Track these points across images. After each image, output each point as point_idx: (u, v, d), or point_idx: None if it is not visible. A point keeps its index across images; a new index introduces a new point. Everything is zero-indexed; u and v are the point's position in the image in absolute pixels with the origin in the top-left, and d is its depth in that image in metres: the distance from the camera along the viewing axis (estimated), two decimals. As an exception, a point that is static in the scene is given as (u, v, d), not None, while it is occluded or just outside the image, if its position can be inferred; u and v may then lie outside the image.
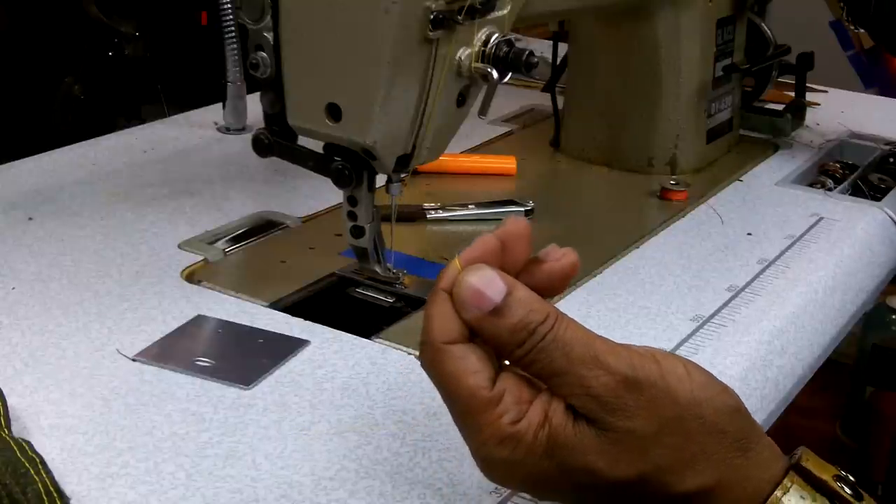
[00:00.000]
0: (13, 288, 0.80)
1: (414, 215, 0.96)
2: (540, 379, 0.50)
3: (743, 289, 0.85)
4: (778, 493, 0.50)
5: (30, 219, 0.93)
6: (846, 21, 1.20)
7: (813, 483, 0.51)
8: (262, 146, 0.79)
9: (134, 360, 0.71)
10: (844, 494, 0.50)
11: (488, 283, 0.50)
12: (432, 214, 0.97)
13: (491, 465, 0.50)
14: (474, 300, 0.49)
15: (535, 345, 0.49)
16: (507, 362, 0.51)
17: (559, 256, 0.53)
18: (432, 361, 0.50)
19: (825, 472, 0.51)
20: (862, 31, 1.45)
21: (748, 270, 0.89)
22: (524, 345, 0.49)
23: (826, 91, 1.43)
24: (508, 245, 0.52)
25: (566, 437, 0.49)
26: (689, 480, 0.49)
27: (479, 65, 0.73)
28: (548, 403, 0.50)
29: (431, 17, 0.68)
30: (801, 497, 0.50)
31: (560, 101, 1.17)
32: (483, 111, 0.75)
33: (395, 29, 0.68)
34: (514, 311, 0.49)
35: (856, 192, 1.12)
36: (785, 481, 0.50)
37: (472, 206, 0.98)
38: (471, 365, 0.50)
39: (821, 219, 1.01)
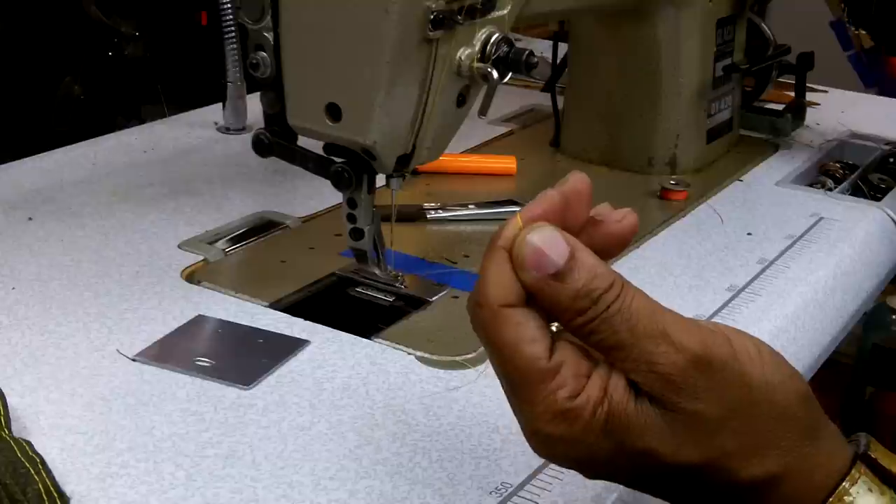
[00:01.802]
0: (13, 288, 0.80)
1: (414, 215, 0.96)
2: (600, 351, 0.47)
3: (743, 289, 0.85)
4: (846, 484, 0.48)
5: (30, 219, 0.93)
6: (847, 22, 1.20)
7: (881, 475, 0.49)
8: (262, 146, 0.79)
9: (134, 360, 0.71)
10: None
11: (551, 244, 0.46)
12: (432, 214, 0.97)
13: (543, 441, 0.47)
14: (535, 261, 0.46)
15: (598, 314, 0.45)
16: (553, 326, 0.48)
17: (619, 217, 0.50)
18: (488, 325, 0.46)
19: (894, 464, 0.49)
20: (863, 32, 1.45)
21: (748, 270, 0.89)
22: (586, 313, 0.46)
23: (826, 91, 1.43)
24: (570, 203, 0.49)
25: (627, 417, 0.46)
26: (756, 467, 0.47)
27: (479, 65, 0.73)
28: (607, 378, 0.46)
29: (431, 17, 0.68)
30: (869, 489, 0.48)
31: (560, 101, 1.17)
32: (483, 111, 0.75)
33: (395, 29, 0.68)
34: (577, 276, 0.46)
35: (856, 192, 1.12)
36: (853, 472, 0.48)
37: (472, 206, 0.98)
38: (529, 332, 0.46)
39: (821, 219, 1.01)
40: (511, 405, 0.48)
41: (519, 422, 0.48)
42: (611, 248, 0.50)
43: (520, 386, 0.46)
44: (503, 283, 0.47)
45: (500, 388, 0.69)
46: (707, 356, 0.46)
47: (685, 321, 0.47)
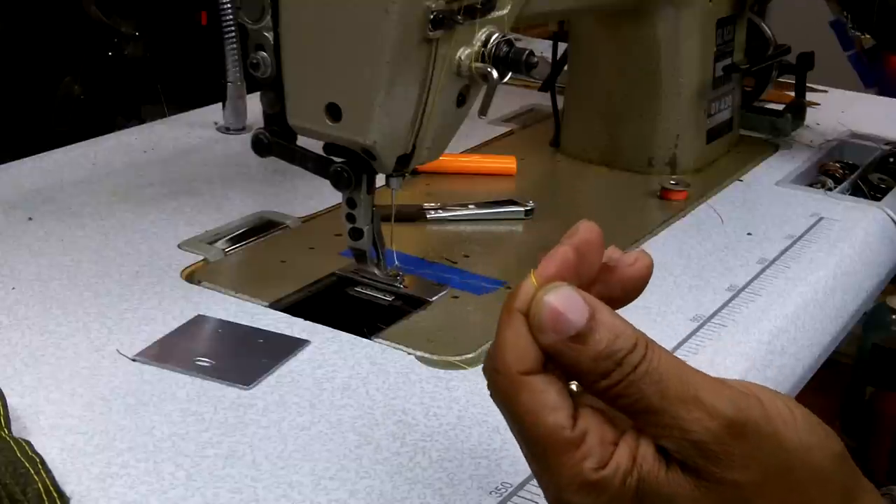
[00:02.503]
0: (13, 288, 0.80)
1: (414, 215, 0.96)
2: (627, 414, 0.44)
3: (743, 289, 0.85)
4: None
5: (30, 219, 0.93)
6: (849, 26, 1.20)
7: None
8: (262, 146, 0.79)
9: (134, 360, 0.71)
10: None
11: (569, 304, 0.44)
12: (432, 214, 0.97)
13: None
14: (553, 323, 0.44)
15: (624, 376, 0.43)
16: (573, 385, 0.46)
17: (632, 261, 0.48)
18: (507, 394, 0.45)
19: None
20: (866, 35, 1.45)
21: (748, 270, 0.89)
22: (610, 375, 0.43)
23: (826, 91, 1.43)
24: (582, 254, 0.47)
25: (658, 487, 0.44)
26: None
27: (479, 65, 0.73)
28: (635, 446, 0.44)
29: (431, 17, 0.68)
30: None
31: (560, 101, 1.17)
32: (483, 111, 0.75)
33: (395, 29, 0.68)
34: (598, 337, 0.43)
35: (856, 192, 1.12)
36: None
37: (472, 206, 0.98)
38: (551, 400, 0.44)
39: (821, 219, 1.01)
40: (535, 476, 0.46)
41: (545, 493, 0.46)
42: (628, 293, 0.49)
43: (543, 456, 0.44)
44: (521, 348, 0.44)
45: (500, 388, 0.69)
46: (742, 421, 0.43)
47: (715, 382, 0.44)
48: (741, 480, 0.43)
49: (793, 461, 0.44)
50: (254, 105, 1.04)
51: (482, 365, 0.47)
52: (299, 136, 0.78)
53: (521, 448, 0.46)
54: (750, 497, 0.43)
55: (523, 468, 0.61)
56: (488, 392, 0.46)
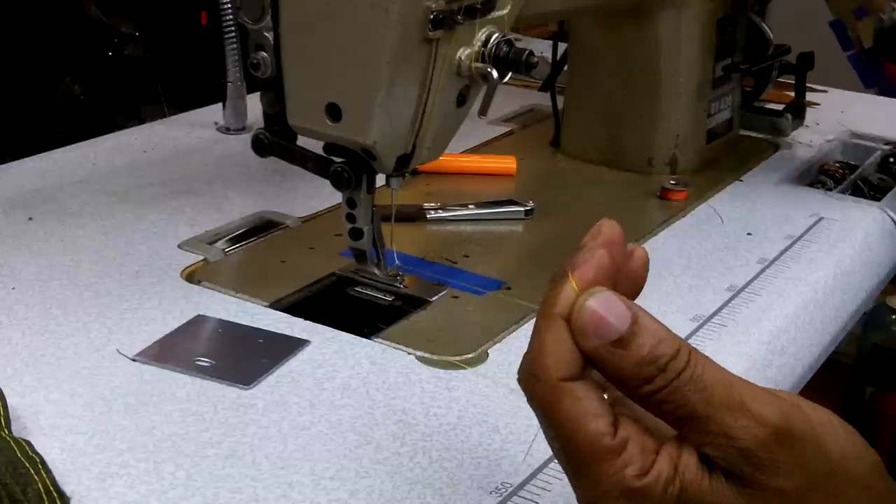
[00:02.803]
0: (13, 288, 0.80)
1: (414, 215, 0.96)
2: (669, 422, 0.44)
3: (743, 289, 0.85)
4: None
5: (30, 219, 0.93)
6: (873, 59, 1.20)
7: None
8: (262, 146, 0.79)
9: (134, 360, 0.71)
10: None
11: (611, 309, 0.43)
12: (432, 214, 0.97)
13: None
14: (596, 328, 0.43)
15: (668, 382, 0.43)
16: (604, 393, 0.45)
17: (629, 252, 0.48)
18: (548, 400, 0.44)
19: None
20: (862, 30, 1.45)
21: (748, 270, 0.89)
22: (654, 381, 0.43)
23: (826, 91, 1.43)
24: (610, 256, 0.46)
25: (702, 495, 0.43)
26: None
27: (479, 65, 0.73)
28: (676, 455, 0.44)
29: (431, 17, 0.68)
30: None
31: (560, 101, 1.17)
32: (483, 111, 0.76)
33: (395, 29, 0.68)
34: (640, 342, 0.43)
35: (856, 192, 1.12)
36: None
37: (472, 206, 0.98)
38: (592, 407, 0.43)
39: (821, 219, 1.01)
40: (573, 484, 0.45)
41: (580, 500, 0.45)
42: (634, 290, 0.48)
43: (583, 463, 0.44)
44: (562, 354, 0.44)
45: (500, 389, 0.69)
46: (788, 428, 0.43)
47: (759, 389, 0.44)
48: (786, 488, 0.43)
49: (835, 469, 0.44)
50: (254, 105, 1.04)
51: (519, 375, 0.45)
52: (299, 136, 0.78)
53: (556, 455, 0.46)
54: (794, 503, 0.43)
55: (523, 468, 0.61)
56: (525, 397, 0.45)
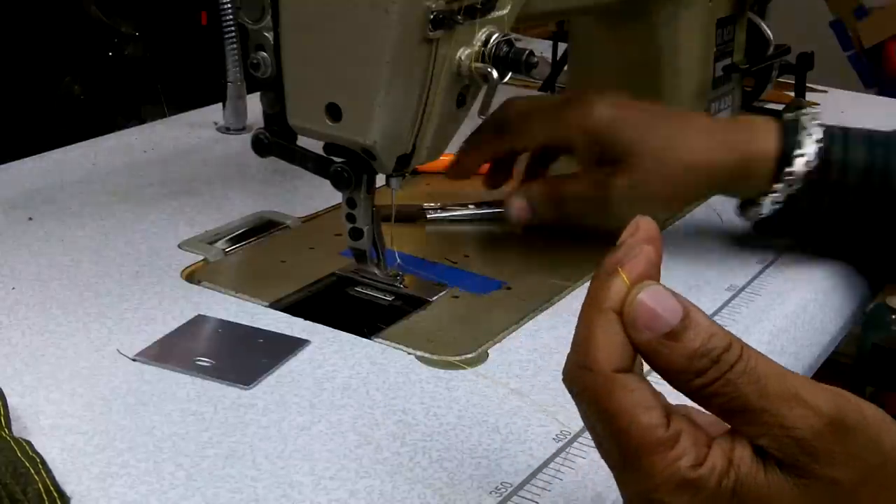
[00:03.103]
0: (13, 288, 0.80)
1: (414, 215, 0.96)
2: (721, 415, 0.45)
3: (743, 289, 0.85)
4: None
5: (30, 219, 0.93)
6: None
7: None
8: (262, 146, 0.79)
9: (134, 360, 0.71)
10: None
11: (663, 303, 0.44)
12: (432, 214, 0.97)
13: None
14: (649, 321, 0.44)
15: (721, 374, 0.43)
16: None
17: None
18: (600, 393, 0.44)
19: None
20: (862, 30, 1.44)
21: (748, 270, 0.89)
22: (706, 373, 0.43)
23: (826, 91, 1.43)
24: None
25: (757, 488, 0.43)
26: None
27: (479, 65, 0.73)
28: (730, 448, 0.44)
29: (431, 17, 0.68)
30: None
31: (560, 101, 1.17)
32: (483, 111, 0.76)
33: (395, 29, 0.68)
34: (692, 335, 0.44)
35: (856, 192, 1.12)
36: None
37: (472, 206, 0.98)
38: (645, 399, 0.44)
39: (821, 219, 1.01)
40: (623, 478, 0.45)
41: (627, 494, 0.45)
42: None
43: (636, 456, 0.44)
44: (615, 346, 0.44)
45: (500, 389, 0.69)
46: (842, 419, 0.43)
47: (810, 382, 0.45)
48: (840, 478, 0.43)
49: (887, 461, 0.45)
50: (254, 105, 1.04)
51: (566, 371, 0.46)
52: (299, 136, 0.78)
53: (604, 450, 0.46)
54: (849, 496, 0.44)
55: (523, 468, 0.61)
56: (571, 392, 0.46)
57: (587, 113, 0.81)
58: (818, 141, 0.81)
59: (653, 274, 0.46)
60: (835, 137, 0.83)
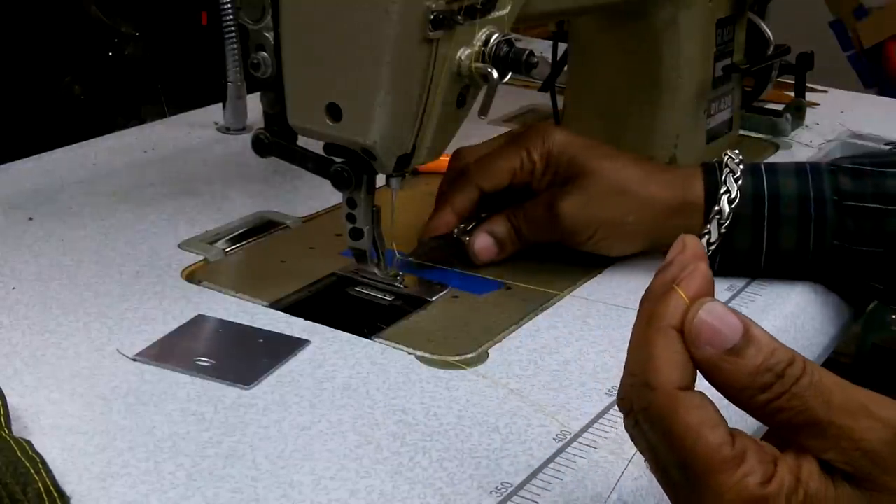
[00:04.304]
0: (13, 288, 0.80)
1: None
2: (786, 430, 0.44)
3: (743, 289, 0.85)
4: None
5: (30, 219, 0.93)
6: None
7: None
8: (262, 146, 0.79)
9: (134, 359, 0.71)
10: None
11: (723, 320, 0.44)
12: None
13: None
14: (711, 338, 0.44)
15: (786, 389, 0.43)
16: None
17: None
18: (664, 411, 0.43)
19: None
20: (862, 30, 1.44)
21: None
22: (771, 388, 0.43)
23: (826, 91, 1.43)
24: None
25: (827, 503, 0.43)
26: None
27: (479, 65, 0.73)
28: (796, 465, 0.44)
29: (431, 17, 0.68)
30: None
31: (560, 101, 1.17)
32: (483, 111, 0.76)
33: (395, 29, 0.68)
34: (754, 351, 0.44)
35: (856, 192, 1.12)
36: None
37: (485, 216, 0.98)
38: (710, 416, 0.43)
39: (821, 219, 1.01)
40: (681, 496, 0.45)
41: None
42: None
43: (703, 475, 0.43)
44: (677, 363, 0.44)
45: (500, 389, 0.69)
46: None
47: (875, 395, 0.45)
48: None
49: None
50: (254, 105, 1.04)
51: (625, 390, 0.45)
52: (299, 136, 0.78)
53: (664, 472, 0.45)
54: None
55: (523, 468, 0.61)
56: (628, 414, 0.45)
57: (545, 136, 0.84)
58: (739, 177, 0.82)
59: (709, 291, 0.46)
60: (761, 173, 0.83)
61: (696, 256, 0.47)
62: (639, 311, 0.47)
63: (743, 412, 0.46)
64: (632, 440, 0.48)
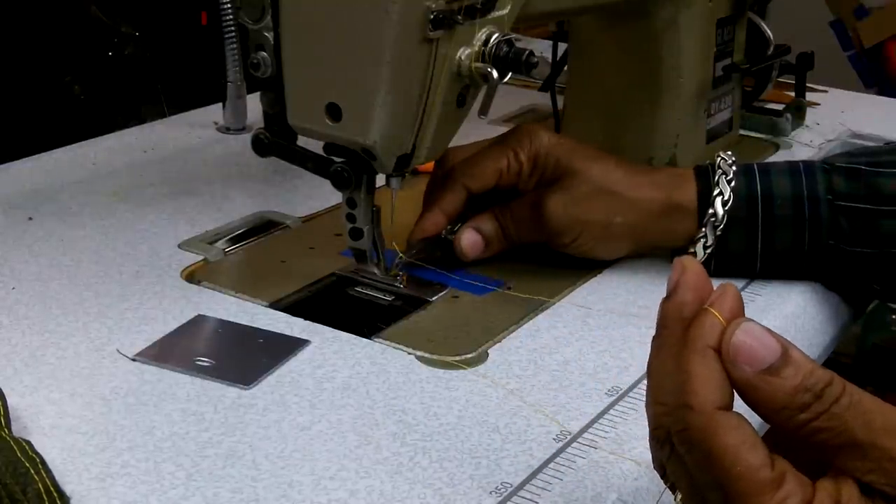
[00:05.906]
0: (13, 288, 0.80)
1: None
2: (823, 451, 0.44)
3: (743, 289, 0.85)
4: None
5: (30, 219, 0.93)
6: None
7: None
8: (262, 146, 0.79)
9: (134, 360, 0.71)
10: None
11: (760, 340, 0.44)
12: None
13: None
14: (748, 358, 0.44)
15: (826, 408, 0.43)
16: None
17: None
18: (703, 432, 0.43)
19: None
20: (862, 29, 1.44)
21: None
22: (810, 408, 0.43)
23: (826, 91, 1.43)
24: None
25: None
26: None
27: (479, 65, 0.73)
28: (835, 489, 0.43)
29: (431, 17, 0.68)
30: None
31: (560, 101, 1.17)
32: (483, 111, 0.76)
33: (395, 29, 0.68)
34: (793, 371, 0.43)
35: (856, 191, 1.12)
36: None
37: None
38: (749, 437, 0.43)
39: (821, 219, 1.01)
40: None
41: None
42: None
43: (742, 496, 0.43)
44: (715, 383, 0.44)
45: (500, 389, 0.69)
46: None
47: None
48: None
49: None
50: (254, 105, 1.04)
51: (659, 409, 0.45)
52: (299, 136, 0.78)
53: (701, 495, 0.45)
54: None
55: (523, 468, 0.61)
56: (662, 436, 0.45)
57: (532, 138, 0.83)
58: (731, 179, 0.82)
59: (741, 311, 0.46)
60: (753, 173, 0.83)
61: (699, 276, 0.47)
62: (657, 340, 0.47)
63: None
64: (663, 475, 0.47)
